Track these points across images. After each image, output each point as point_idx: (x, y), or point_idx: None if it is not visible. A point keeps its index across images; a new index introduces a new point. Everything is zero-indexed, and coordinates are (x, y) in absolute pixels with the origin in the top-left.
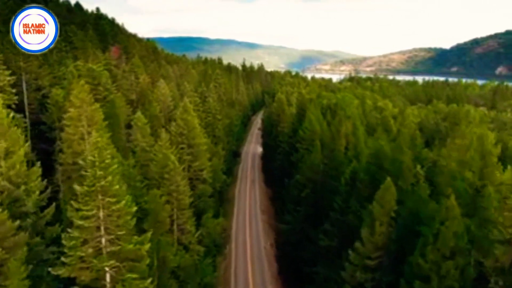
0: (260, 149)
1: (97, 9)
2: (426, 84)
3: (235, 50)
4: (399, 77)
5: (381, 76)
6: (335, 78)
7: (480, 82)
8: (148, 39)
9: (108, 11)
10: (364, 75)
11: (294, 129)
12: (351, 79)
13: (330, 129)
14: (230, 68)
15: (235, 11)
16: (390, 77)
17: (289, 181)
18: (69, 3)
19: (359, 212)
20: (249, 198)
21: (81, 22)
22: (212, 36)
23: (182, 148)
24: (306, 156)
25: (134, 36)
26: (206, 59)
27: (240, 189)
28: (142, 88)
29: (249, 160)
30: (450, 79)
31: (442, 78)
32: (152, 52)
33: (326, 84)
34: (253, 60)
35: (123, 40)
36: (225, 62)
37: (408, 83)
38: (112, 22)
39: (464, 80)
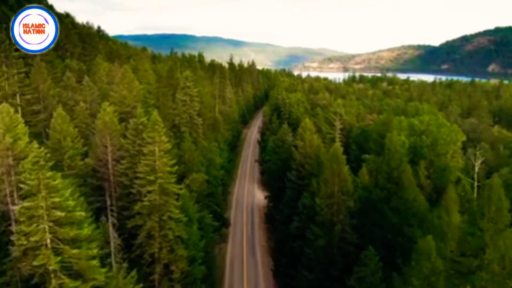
0: (260, 196)
1: None
2: (451, 84)
3: (220, 47)
4: (399, 76)
5: (390, 75)
6: (337, 77)
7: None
8: (99, 29)
9: (90, 8)
10: (359, 74)
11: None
12: (355, 79)
13: None
14: (213, 67)
15: (221, 8)
16: (402, 76)
17: None
18: None
19: None
20: None
21: None
22: (197, 33)
23: None
24: None
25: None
26: (188, 55)
27: None
28: None
29: (244, 230)
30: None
31: (432, 77)
32: (80, 40)
33: (335, 86)
34: (239, 57)
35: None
36: (209, 59)
37: (424, 83)
38: None
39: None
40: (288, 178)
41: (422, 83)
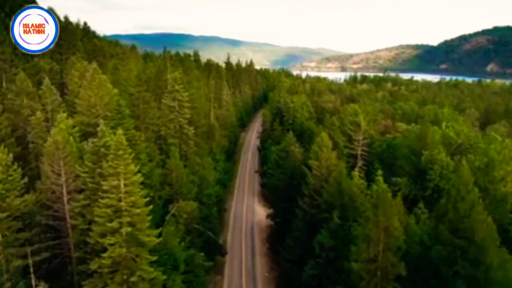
0: (261, 213)
1: None
2: (462, 85)
3: (218, 47)
4: (401, 75)
5: (393, 74)
6: (336, 77)
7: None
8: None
9: (89, 8)
10: (354, 73)
11: None
12: (357, 79)
13: None
14: (209, 67)
15: (219, 8)
16: (406, 76)
17: None
18: None
19: None
20: None
21: None
22: (195, 33)
23: None
24: None
25: None
26: (182, 54)
27: None
28: None
29: (243, 258)
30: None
31: (432, 76)
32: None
33: (338, 87)
34: (237, 57)
35: None
36: (207, 59)
37: (429, 83)
38: None
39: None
40: (299, 206)
41: (427, 84)
